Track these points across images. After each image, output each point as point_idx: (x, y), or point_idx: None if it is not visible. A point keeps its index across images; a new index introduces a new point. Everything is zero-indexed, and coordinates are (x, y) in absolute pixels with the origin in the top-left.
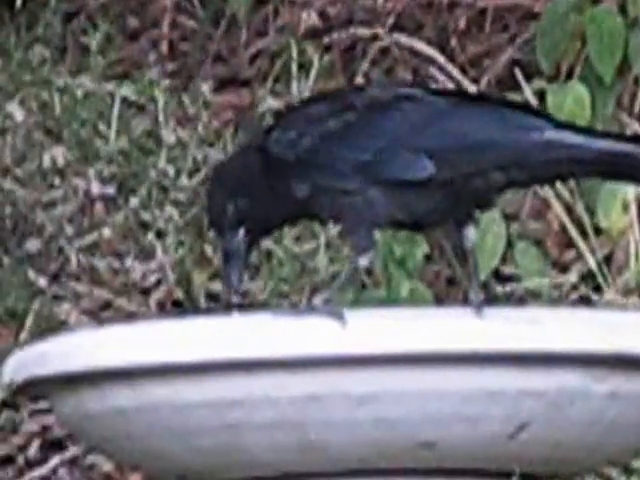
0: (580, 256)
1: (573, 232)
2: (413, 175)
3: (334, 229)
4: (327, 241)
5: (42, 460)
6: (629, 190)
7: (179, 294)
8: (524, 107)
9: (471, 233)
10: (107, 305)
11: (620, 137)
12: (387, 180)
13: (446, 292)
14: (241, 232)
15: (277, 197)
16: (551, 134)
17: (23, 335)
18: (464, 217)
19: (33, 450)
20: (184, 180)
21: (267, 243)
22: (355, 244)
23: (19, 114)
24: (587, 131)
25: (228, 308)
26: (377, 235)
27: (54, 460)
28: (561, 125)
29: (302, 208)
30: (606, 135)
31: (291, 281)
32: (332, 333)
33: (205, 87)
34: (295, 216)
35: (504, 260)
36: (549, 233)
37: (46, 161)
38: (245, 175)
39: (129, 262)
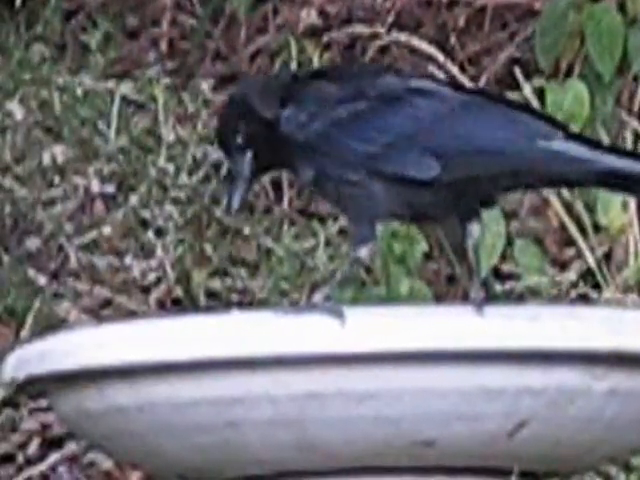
0: (579, 254)
1: (572, 230)
2: (418, 174)
3: (333, 227)
4: (326, 239)
5: (42, 458)
6: None
7: (179, 292)
8: (537, 114)
9: (475, 230)
10: (107, 303)
11: (628, 154)
12: (391, 176)
13: (446, 290)
14: (249, 154)
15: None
16: (559, 145)
17: (23, 333)
18: (469, 213)
19: (33, 448)
20: (184, 178)
21: (267, 241)
22: (355, 234)
23: (19, 112)
24: (596, 145)
25: (228, 306)
26: (378, 230)
27: (54, 458)
28: (571, 136)
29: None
30: (614, 150)
31: (291, 279)
32: (332, 331)
33: (205, 85)
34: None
35: (503, 258)
36: (548, 231)
37: (46, 159)
38: (261, 102)
39: (129, 260)
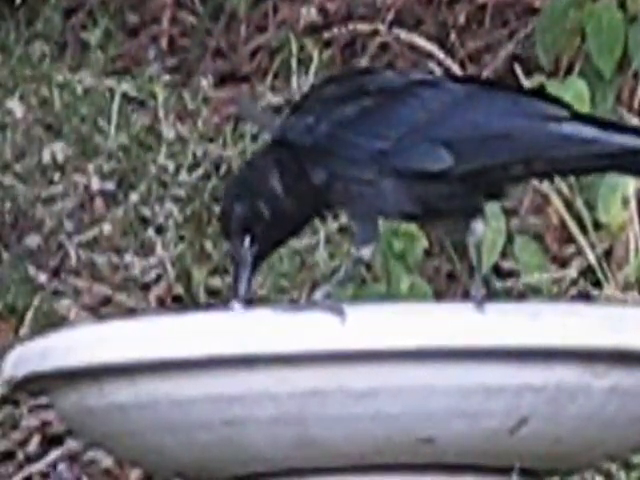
0: (580, 251)
1: (573, 227)
2: (430, 166)
3: (334, 224)
4: (327, 236)
5: (42, 455)
6: (629, 185)
7: (179, 290)
8: (543, 96)
9: (479, 228)
10: (107, 301)
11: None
12: (403, 170)
13: (446, 287)
14: (247, 240)
15: (289, 193)
16: (569, 126)
17: (23, 331)
18: (474, 211)
19: (33, 445)
20: (184, 176)
21: None
22: (359, 234)
23: (19, 110)
24: (605, 124)
25: (228, 303)
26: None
27: (54, 455)
28: (580, 117)
29: (317, 198)
30: (624, 129)
31: (291, 276)
32: (332, 328)
33: (205, 83)
34: (305, 216)
35: (504, 255)
36: (549, 228)
37: (46, 157)
38: (256, 179)
39: (129, 258)
